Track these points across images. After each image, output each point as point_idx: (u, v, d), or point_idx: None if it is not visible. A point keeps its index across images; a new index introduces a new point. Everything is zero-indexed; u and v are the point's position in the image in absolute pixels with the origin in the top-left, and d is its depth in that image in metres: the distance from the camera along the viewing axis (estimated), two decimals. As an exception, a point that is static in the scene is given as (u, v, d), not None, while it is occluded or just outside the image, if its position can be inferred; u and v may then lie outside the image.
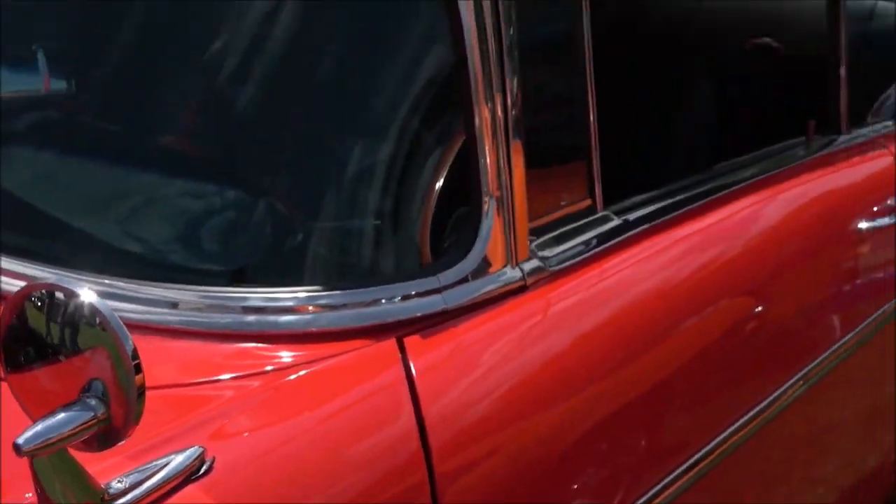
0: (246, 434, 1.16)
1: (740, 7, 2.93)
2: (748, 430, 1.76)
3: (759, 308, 1.83)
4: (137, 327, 1.15)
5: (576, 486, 1.41)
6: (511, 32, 1.39)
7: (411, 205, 1.41)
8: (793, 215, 1.96)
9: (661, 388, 1.58)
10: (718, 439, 1.69)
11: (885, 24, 2.73)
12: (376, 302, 1.32)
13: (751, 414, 1.75)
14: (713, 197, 1.78)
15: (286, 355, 1.26)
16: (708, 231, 1.76)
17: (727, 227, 1.78)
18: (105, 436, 0.97)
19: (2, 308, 0.97)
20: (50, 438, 0.92)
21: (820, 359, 1.98)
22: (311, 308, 1.30)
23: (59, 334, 0.97)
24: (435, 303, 1.34)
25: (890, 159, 2.15)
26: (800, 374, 1.88)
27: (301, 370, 1.24)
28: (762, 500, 1.87)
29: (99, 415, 0.94)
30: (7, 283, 1.30)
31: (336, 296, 1.31)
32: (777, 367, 1.85)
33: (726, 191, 1.82)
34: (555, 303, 1.46)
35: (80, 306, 0.94)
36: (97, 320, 0.95)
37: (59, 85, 1.64)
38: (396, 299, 1.32)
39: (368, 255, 1.39)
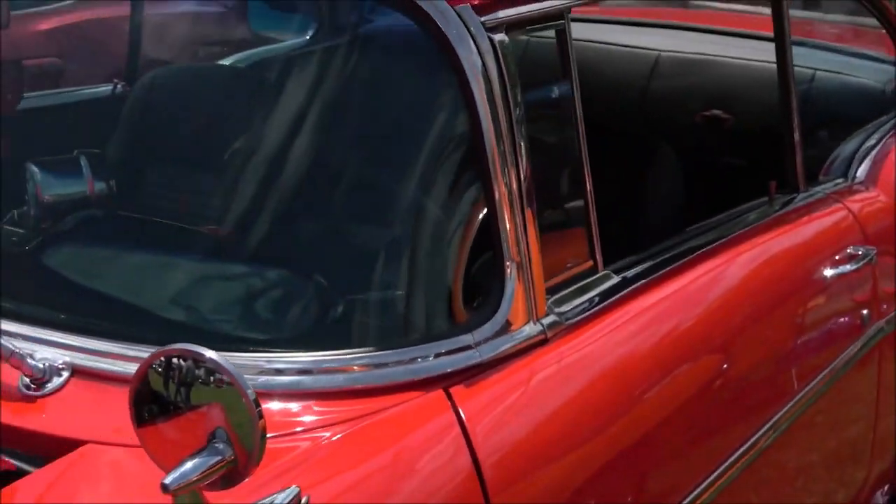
0: (329, 476, 1.31)
1: (687, 84, 3.16)
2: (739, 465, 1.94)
3: (734, 357, 2.01)
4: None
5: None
6: (518, 112, 1.58)
7: (444, 272, 1.59)
8: (762, 268, 2.16)
9: (657, 424, 1.76)
10: (712, 477, 1.87)
11: (824, 86, 2.97)
12: (421, 359, 1.49)
13: (732, 456, 1.92)
14: (694, 255, 1.98)
15: (347, 409, 1.42)
16: (689, 287, 1.95)
17: (707, 281, 1.97)
18: (229, 476, 1.12)
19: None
20: (190, 478, 1.07)
21: (791, 403, 2.15)
22: (365, 366, 1.46)
23: (177, 393, 1.13)
24: (471, 357, 1.52)
25: (846, 212, 2.37)
26: (771, 420, 2.05)
27: (364, 421, 1.40)
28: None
29: (227, 457, 1.10)
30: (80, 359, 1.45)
31: (387, 355, 1.48)
32: (750, 413, 2.03)
33: (706, 248, 2.01)
34: (571, 353, 1.64)
35: (204, 364, 1.10)
36: (212, 379, 1.11)
37: (101, 186, 1.80)
38: (438, 356, 1.50)
39: (408, 318, 1.56)
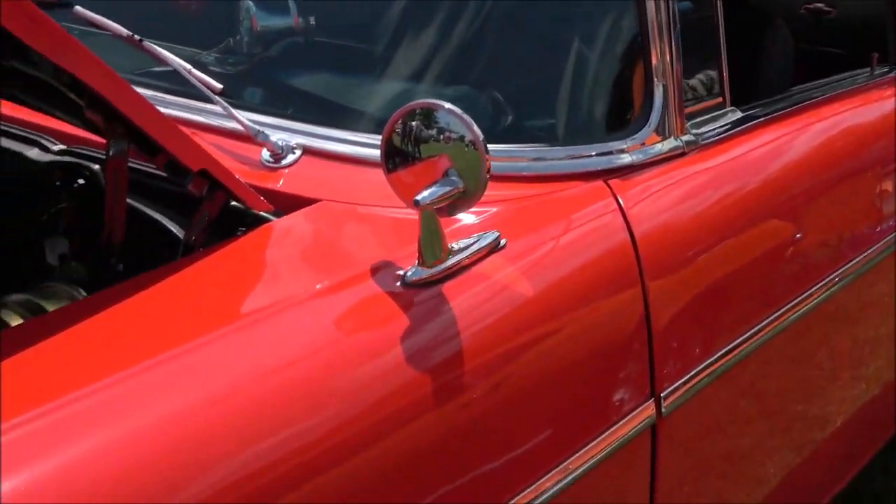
0: (517, 235, 1.62)
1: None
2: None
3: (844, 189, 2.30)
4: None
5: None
6: None
7: (604, 89, 1.90)
8: (858, 126, 2.45)
9: (768, 238, 2.06)
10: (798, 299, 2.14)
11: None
12: (586, 156, 1.80)
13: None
14: (805, 103, 2.27)
15: (526, 191, 1.73)
16: (795, 131, 2.25)
17: (820, 124, 2.27)
18: (455, 205, 1.44)
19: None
20: (434, 197, 1.40)
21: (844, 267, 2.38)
22: (537, 159, 1.78)
23: (414, 147, 1.45)
24: (624, 159, 1.83)
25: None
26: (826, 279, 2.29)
27: (541, 199, 1.72)
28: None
29: (458, 188, 1.42)
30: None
31: (555, 151, 1.79)
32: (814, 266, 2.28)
33: (814, 99, 2.31)
34: (705, 167, 1.95)
35: (441, 112, 1.41)
36: (441, 136, 1.43)
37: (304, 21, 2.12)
38: (597, 155, 1.81)
39: (573, 124, 1.87)
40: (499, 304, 1.51)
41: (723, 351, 1.86)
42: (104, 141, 1.59)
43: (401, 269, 1.46)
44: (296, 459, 1.24)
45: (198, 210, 1.57)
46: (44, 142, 1.82)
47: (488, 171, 1.42)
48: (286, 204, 1.66)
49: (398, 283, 1.44)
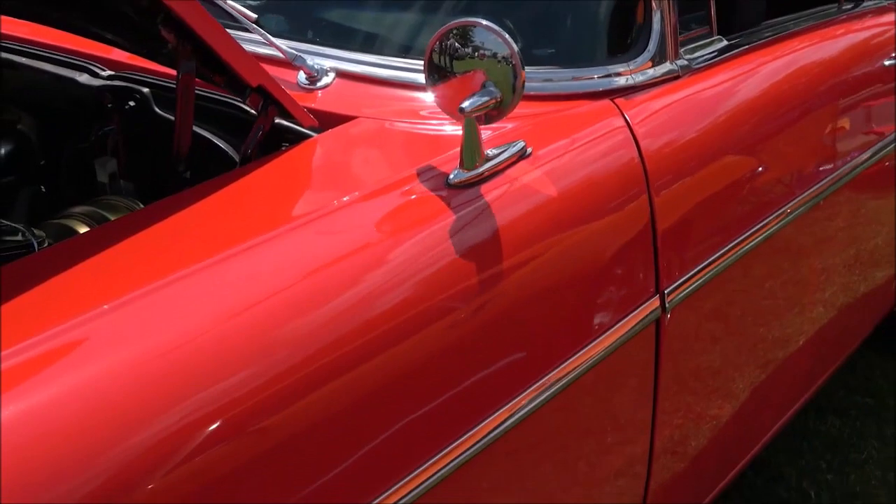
0: (538, 145, 1.80)
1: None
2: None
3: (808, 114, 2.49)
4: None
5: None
6: None
7: (604, 17, 2.07)
8: (830, 53, 2.65)
9: (753, 146, 2.25)
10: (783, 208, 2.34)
11: None
12: (590, 78, 1.98)
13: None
14: (782, 34, 2.46)
15: (539, 109, 1.90)
16: (782, 55, 2.44)
17: (798, 53, 2.46)
18: (491, 115, 1.61)
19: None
20: (475, 106, 1.57)
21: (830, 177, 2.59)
22: (546, 80, 1.94)
23: (450, 63, 1.61)
24: (627, 80, 2.00)
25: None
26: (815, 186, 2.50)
27: (558, 114, 1.89)
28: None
29: (495, 97, 1.59)
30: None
31: (562, 72, 1.96)
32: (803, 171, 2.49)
33: (790, 31, 2.49)
34: (697, 88, 2.13)
35: (478, 29, 1.58)
36: (476, 53, 1.59)
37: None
38: (601, 77, 1.98)
39: (577, 48, 2.04)
40: (528, 205, 1.69)
41: (720, 252, 2.05)
42: (151, 67, 1.73)
43: (442, 173, 1.63)
44: (355, 342, 1.39)
45: (253, 124, 1.73)
46: (93, 68, 1.96)
47: (523, 84, 1.59)
48: (324, 121, 1.82)
49: (443, 185, 1.61)
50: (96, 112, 1.95)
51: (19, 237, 1.64)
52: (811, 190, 2.39)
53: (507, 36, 1.58)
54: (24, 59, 2.03)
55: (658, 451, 2.03)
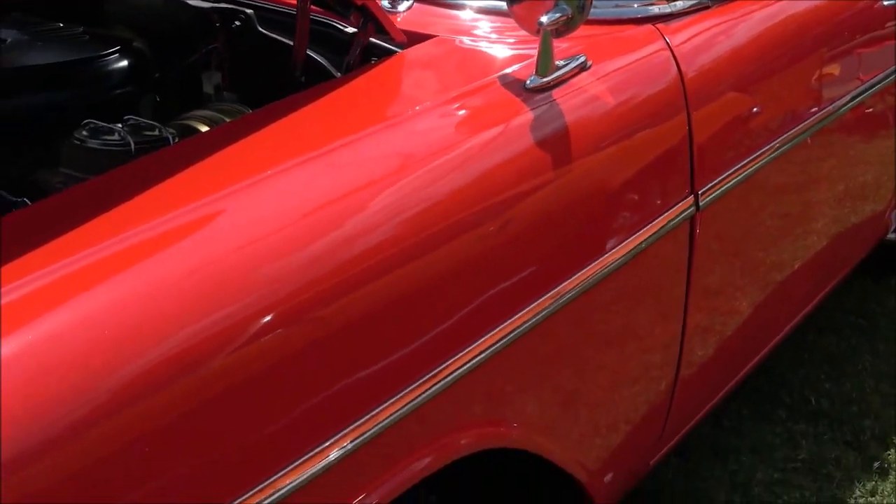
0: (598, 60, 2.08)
1: None
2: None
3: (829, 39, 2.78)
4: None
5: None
6: None
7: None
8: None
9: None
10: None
11: None
12: (631, 6, 2.26)
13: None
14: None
15: (594, 31, 2.18)
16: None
17: None
18: (561, 30, 1.90)
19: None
20: (552, 20, 1.85)
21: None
22: (596, 7, 2.22)
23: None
24: (660, 9, 2.28)
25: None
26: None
27: (609, 36, 2.17)
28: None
29: (567, 13, 1.87)
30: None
31: (608, 2, 2.24)
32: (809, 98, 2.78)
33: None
34: (726, 17, 2.42)
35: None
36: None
37: None
38: (640, 6, 2.27)
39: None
40: (588, 110, 1.98)
41: (747, 160, 2.34)
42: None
43: (519, 79, 1.92)
44: (443, 222, 1.66)
45: (352, 40, 2.01)
46: None
47: (590, 3, 1.87)
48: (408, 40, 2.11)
49: (521, 90, 1.89)
50: (202, 32, 2.22)
51: (156, 132, 1.93)
52: (828, 108, 2.68)
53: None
54: None
55: (689, 333, 2.32)
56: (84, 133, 1.91)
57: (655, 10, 2.28)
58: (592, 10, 2.15)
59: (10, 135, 2.02)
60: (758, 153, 2.38)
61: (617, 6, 2.27)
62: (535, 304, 1.81)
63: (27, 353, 1.22)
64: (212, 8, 2.21)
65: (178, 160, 1.64)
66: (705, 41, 2.33)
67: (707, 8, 2.39)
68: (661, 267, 2.20)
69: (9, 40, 2.23)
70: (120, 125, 1.91)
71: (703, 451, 3.06)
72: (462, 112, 1.87)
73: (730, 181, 2.30)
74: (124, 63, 2.21)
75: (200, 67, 2.24)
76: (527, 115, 1.86)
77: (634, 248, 2.05)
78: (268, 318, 1.39)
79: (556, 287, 1.86)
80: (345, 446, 1.48)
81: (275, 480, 1.39)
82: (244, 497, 1.35)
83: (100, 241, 1.40)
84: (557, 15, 1.86)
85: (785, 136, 2.49)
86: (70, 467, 1.19)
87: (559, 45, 2.01)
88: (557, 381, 1.96)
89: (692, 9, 2.35)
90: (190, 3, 2.23)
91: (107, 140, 1.87)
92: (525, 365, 1.84)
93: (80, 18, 2.32)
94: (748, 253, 2.58)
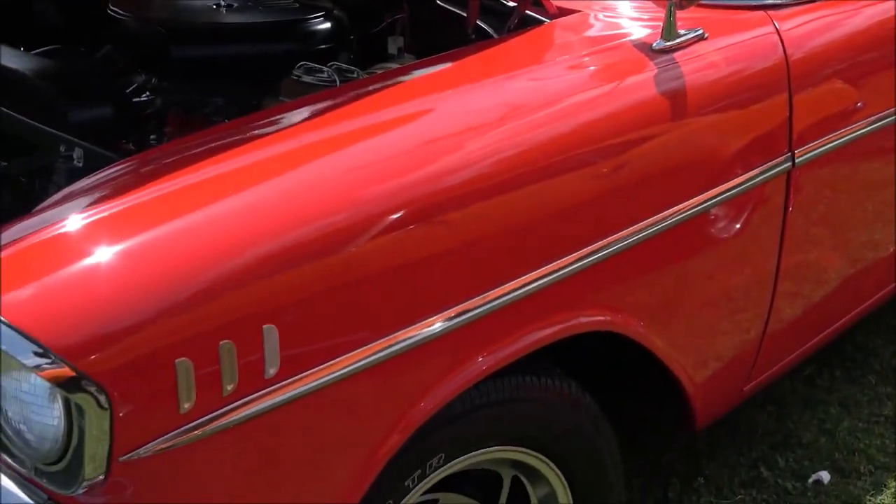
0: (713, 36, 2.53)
1: None
2: None
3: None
4: None
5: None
6: None
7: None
8: None
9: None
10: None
11: None
12: None
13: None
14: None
15: (712, 14, 2.64)
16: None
17: None
18: (684, 3, 2.35)
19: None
20: (676, -5, 2.31)
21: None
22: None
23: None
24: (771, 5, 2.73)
25: None
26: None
27: (725, 18, 2.63)
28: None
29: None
30: None
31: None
32: None
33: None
34: (828, 11, 2.84)
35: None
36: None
37: None
38: (759, -3, 2.72)
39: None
40: (704, 74, 2.43)
41: (839, 131, 2.75)
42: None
43: (647, 42, 2.39)
44: (580, 148, 2.13)
45: (514, 10, 2.50)
46: None
47: (694, -3, 2.33)
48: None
49: (649, 49, 2.36)
50: (390, 4, 2.74)
51: (354, 74, 2.44)
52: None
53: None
54: None
55: (782, 274, 2.75)
56: (300, 71, 2.43)
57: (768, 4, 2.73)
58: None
59: (243, 73, 2.57)
60: (848, 127, 2.80)
61: (748, -1, 2.72)
62: (654, 218, 2.27)
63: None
64: (396, -19, 2.73)
65: (373, 85, 2.17)
66: (810, 30, 2.75)
67: (813, 1, 2.82)
68: (760, 214, 2.63)
69: (235, 5, 2.78)
70: (327, 66, 2.44)
71: (795, 402, 3.46)
72: (598, 64, 2.34)
73: (822, 146, 2.72)
74: (327, 25, 2.74)
75: (387, 32, 2.75)
76: (652, 71, 2.32)
77: (737, 187, 2.48)
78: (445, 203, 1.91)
79: (672, 207, 2.31)
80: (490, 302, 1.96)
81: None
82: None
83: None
84: (682, -8, 2.33)
85: (874, 117, 2.91)
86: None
87: (683, 18, 2.47)
88: (670, 289, 2.41)
89: (802, 0, 2.78)
90: (380, -20, 2.75)
91: (318, 76, 2.40)
92: (642, 267, 2.30)
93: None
94: (839, 218, 2.99)
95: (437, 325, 1.88)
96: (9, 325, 1.51)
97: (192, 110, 2.61)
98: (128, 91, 2.58)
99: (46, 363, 1.50)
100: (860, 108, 2.86)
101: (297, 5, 2.79)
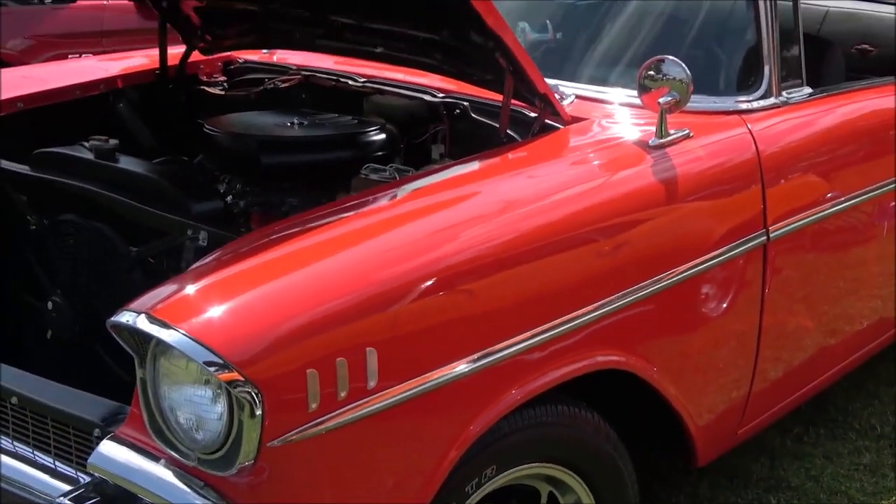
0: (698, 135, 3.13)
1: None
2: None
3: None
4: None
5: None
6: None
7: (730, 67, 3.42)
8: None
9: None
10: None
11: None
12: (725, 102, 3.32)
13: None
14: (849, 89, 3.79)
15: (696, 119, 3.24)
16: (848, 102, 3.75)
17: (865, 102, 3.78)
18: (671, 109, 2.96)
19: None
20: (666, 100, 2.93)
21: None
22: (701, 102, 3.28)
23: (651, 81, 2.99)
24: (746, 106, 3.34)
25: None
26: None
27: (706, 121, 3.23)
28: None
29: (676, 98, 2.94)
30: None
31: (711, 99, 3.31)
32: None
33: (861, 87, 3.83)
34: (794, 115, 3.46)
35: (667, 61, 2.94)
36: (665, 76, 2.96)
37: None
38: (732, 102, 3.33)
39: (721, 87, 3.39)
40: (693, 165, 3.03)
41: (808, 211, 3.33)
42: (464, 91, 3.15)
43: (644, 140, 2.98)
44: (585, 227, 2.72)
45: (535, 119, 3.10)
46: (431, 91, 3.38)
47: (690, 93, 2.94)
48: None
49: (646, 145, 2.96)
50: (432, 118, 3.35)
51: (409, 172, 3.04)
52: (876, 184, 3.68)
53: (683, 65, 2.94)
54: (386, 88, 3.46)
55: (764, 333, 3.30)
56: (367, 171, 3.03)
57: (741, 106, 3.34)
58: (696, 103, 3.23)
59: (316, 176, 3.17)
60: (816, 208, 3.38)
61: (714, 102, 3.33)
62: (648, 281, 2.83)
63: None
64: (440, 101, 3.34)
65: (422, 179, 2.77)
66: (778, 130, 3.36)
67: (779, 107, 3.43)
68: (740, 284, 3.19)
69: (305, 122, 3.39)
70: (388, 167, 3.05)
71: (785, 454, 3.99)
72: (603, 158, 2.94)
73: (791, 224, 3.30)
74: (382, 136, 3.35)
75: (430, 141, 3.36)
76: (648, 162, 2.92)
77: (719, 256, 3.06)
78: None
79: (660, 274, 2.87)
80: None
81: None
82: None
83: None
84: (669, 98, 2.94)
85: (841, 199, 3.50)
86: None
87: (672, 120, 3.07)
88: (673, 343, 2.97)
89: (768, 108, 3.39)
90: (425, 98, 3.36)
91: (382, 175, 3.00)
92: (651, 321, 2.86)
93: (350, 112, 3.48)
94: (814, 288, 3.56)
95: (478, 362, 2.42)
96: (196, 341, 2.09)
97: (271, 209, 3.20)
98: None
99: (219, 370, 2.07)
100: (824, 192, 3.45)
101: (356, 121, 3.40)
